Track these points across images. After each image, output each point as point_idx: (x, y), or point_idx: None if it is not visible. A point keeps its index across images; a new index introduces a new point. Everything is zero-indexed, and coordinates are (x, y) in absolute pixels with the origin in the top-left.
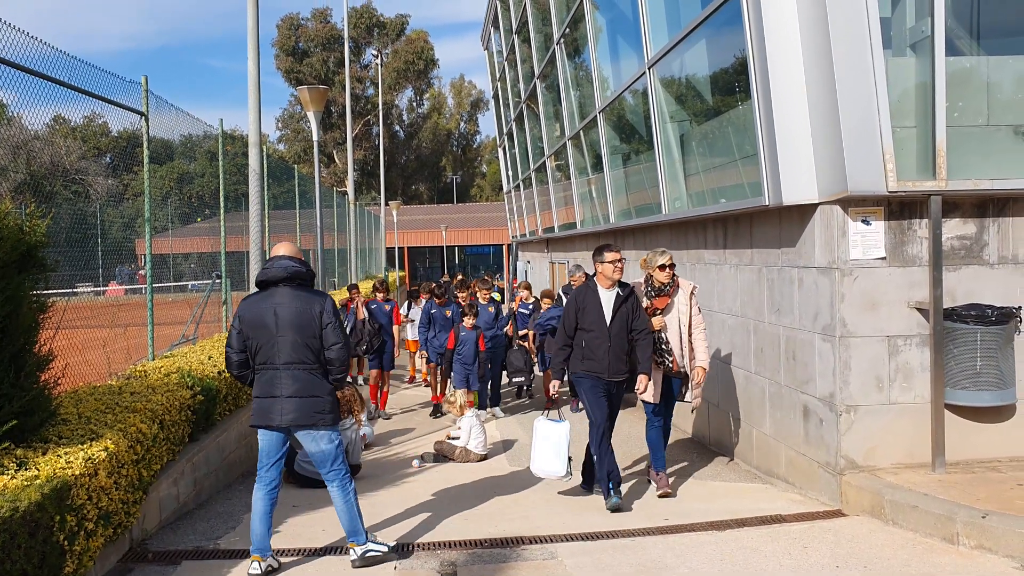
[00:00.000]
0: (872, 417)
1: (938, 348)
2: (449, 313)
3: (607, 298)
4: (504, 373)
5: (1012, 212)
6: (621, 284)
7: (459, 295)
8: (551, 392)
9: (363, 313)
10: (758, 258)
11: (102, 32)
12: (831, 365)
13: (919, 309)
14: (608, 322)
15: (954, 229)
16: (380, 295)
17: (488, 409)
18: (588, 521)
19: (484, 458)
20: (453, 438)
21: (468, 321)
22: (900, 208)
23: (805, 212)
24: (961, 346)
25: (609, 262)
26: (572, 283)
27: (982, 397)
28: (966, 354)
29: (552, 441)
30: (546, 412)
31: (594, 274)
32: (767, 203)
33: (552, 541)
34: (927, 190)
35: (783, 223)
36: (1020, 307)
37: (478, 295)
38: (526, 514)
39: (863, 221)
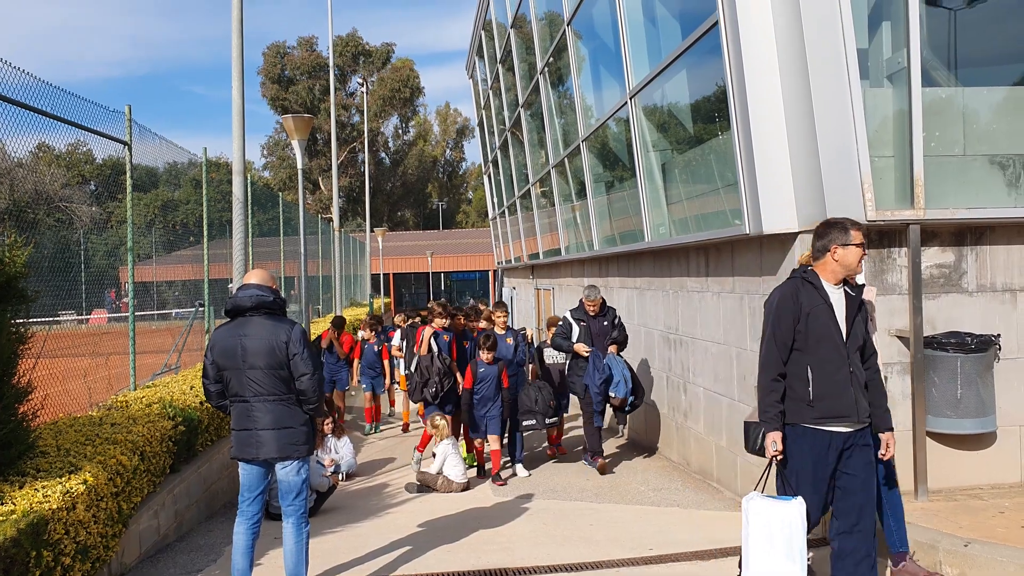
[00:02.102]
0: None
1: (919, 376)
2: (448, 338)
3: (837, 299)
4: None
5: (989, 241)
6: (846, 280)
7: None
8: (771, 451)
9: (429, 347)
10: (740, 286)
11: (89, 59)
12: None
13: (899, 337)
14: (845, 336)
15: (933, 258)
16: (439, 322)
17: (511, 466)
18: (572, 552)
19: (467, 487)
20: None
21: (486, 355)
22: (879, 237)
23: (785, 241)
24: (942, 374)
25: (856, 245)
26: (589, 308)
27: (963, 425)
28: (947, 382)
29: (779, 526)
30: (760, 482)
31: (804, 267)
32: (747, 232)
33: (536, 572)
34: (906, 219)
35: (764, 251)
36: (999, 335)
37: (494, 323)
38: (510, 545)
39: None
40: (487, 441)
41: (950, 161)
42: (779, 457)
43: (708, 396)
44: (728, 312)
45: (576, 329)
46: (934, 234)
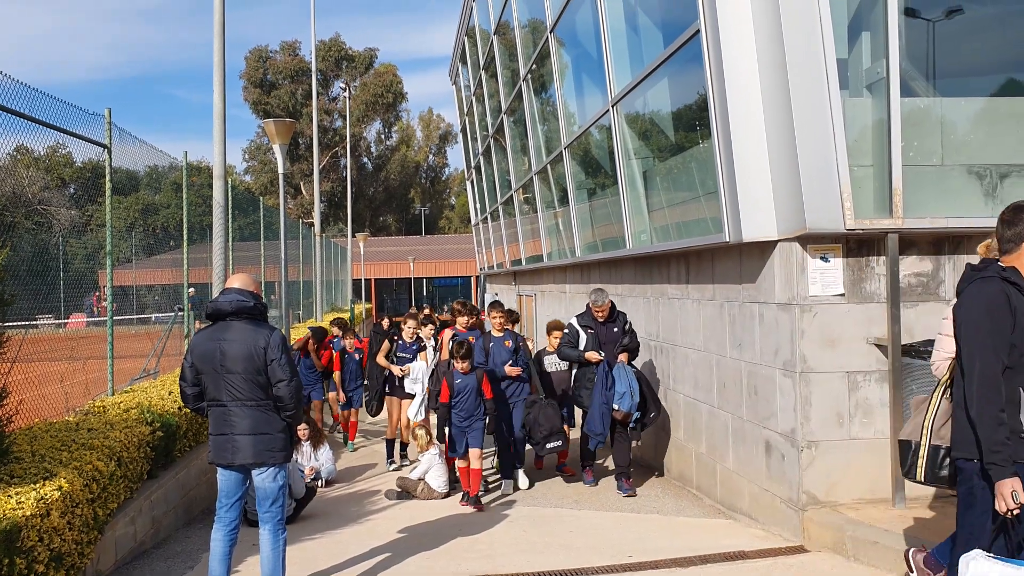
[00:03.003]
0: (833, 453)
1: (897, 384)
2: (473, 340)
3: None
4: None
5: (967, 250)
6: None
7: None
8: (1010, 503)
9: (450, 352)
10: (720, 293)
11: (72, 63)
12: (792, 401)
13: (878, 345)
14: None
15: (911, 266)
16: (465, 319)
17: (508, 480)
18: (552, 559)
19: (448, 495)
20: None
21: (462, 364)
22: (858, 245)
23: (765, 249)
24: (920, 382)
25: None
26: (596, 314)
27: None
28: (924, 390)
29: None
30: (991, 540)
31: (992, 263)
32: (727, 240)
33: None
34: (884, 228)
35: (744, 259)
36: None
37: (488, 324)
38: (490, 552)
39: (822, 258)
40: (468, 459)
41: (928, 171)
42: (1016, 511)
43: (688, 403)
44: (708, 319)
45: (583, 337)
46: (912, 243)
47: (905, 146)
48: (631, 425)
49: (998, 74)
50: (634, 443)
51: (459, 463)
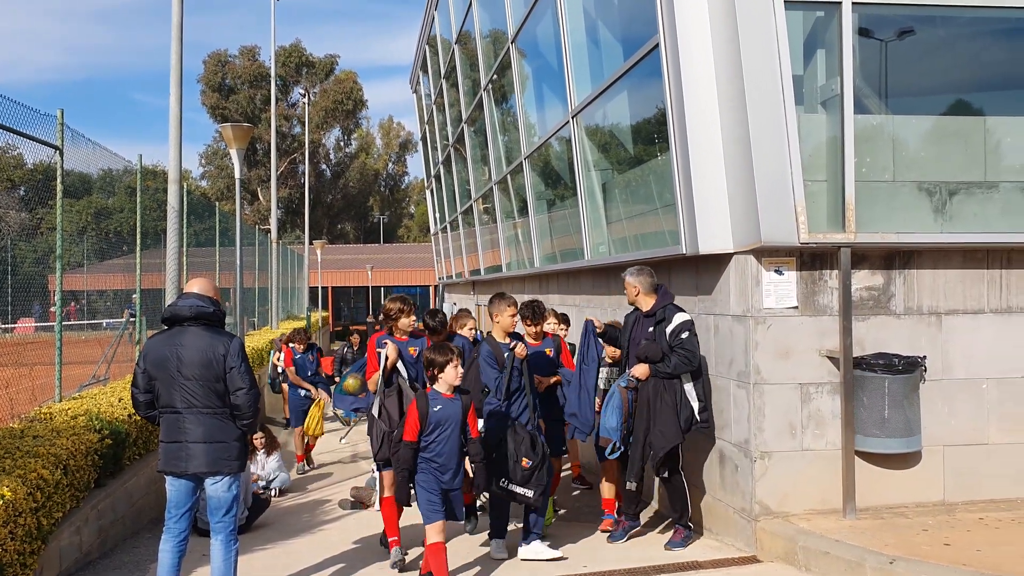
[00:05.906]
0: (786, 463)
1: (848, 396)
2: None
3: None
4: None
5: (917, 264)
6: None
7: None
8: None
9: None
10: None
11: (23, 63)
12: (746, 411)
13: (830, 357)
14: None
15: (863, 280)
16: (475, 330)
17: (527, 545)
18: (507, 571)
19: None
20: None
21: (448, 379)
22: (812, 259)
23: (721, 261)
24: (870, 394)
25: None
26: (629, 298)
27: (889, 444)
28: (875, 402)
29: None
30: None
31: None
32: (684, 252)
33: None
34: (837, 242)
35: (700, 271)
36: (925, 356)
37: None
38: (448, 563)
39: (776, 271)
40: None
41: (880, 186)
42: None
43: None
44: None
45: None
46: (864, 257)
47: (858, 162)
48: (609, 454)
49: (946, 94)
50: (628, 485)
51: (431, 538)
